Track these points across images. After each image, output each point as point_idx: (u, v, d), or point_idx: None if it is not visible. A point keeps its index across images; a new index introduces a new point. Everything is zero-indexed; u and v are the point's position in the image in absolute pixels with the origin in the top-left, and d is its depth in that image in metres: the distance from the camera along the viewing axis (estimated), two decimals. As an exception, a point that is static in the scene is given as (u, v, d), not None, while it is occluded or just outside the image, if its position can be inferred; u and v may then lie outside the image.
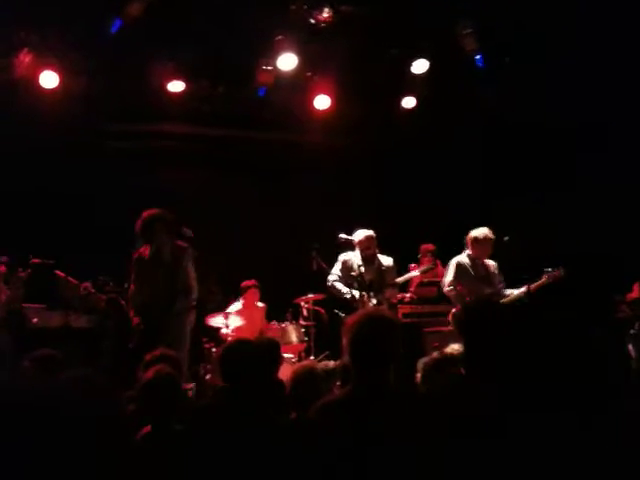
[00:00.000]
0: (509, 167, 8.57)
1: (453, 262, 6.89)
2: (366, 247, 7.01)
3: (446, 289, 6.87)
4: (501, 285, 6.80)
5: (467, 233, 6.87)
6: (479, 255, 6.80)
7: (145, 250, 6.09)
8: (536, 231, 7.73)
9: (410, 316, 7.38)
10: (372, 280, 6.97)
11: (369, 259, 7.04)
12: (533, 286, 6.48)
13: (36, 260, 6.64)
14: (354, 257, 7.00)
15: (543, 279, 6.48)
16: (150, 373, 3.38)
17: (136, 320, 5.76)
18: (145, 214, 6.02)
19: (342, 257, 7.13)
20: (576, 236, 7.65)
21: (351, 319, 3.07)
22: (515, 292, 6.61)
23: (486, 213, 7.35)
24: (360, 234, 7.06)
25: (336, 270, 7.14)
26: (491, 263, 6.87)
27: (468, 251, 6.85)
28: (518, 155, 8.54)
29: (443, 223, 9.02)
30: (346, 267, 7.08)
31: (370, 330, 2.93)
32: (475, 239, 6.77)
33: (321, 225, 7.97)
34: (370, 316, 3.04)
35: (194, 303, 6.11)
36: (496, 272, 6.85)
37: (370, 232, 7.07)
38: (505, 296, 6.66)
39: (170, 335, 5.59)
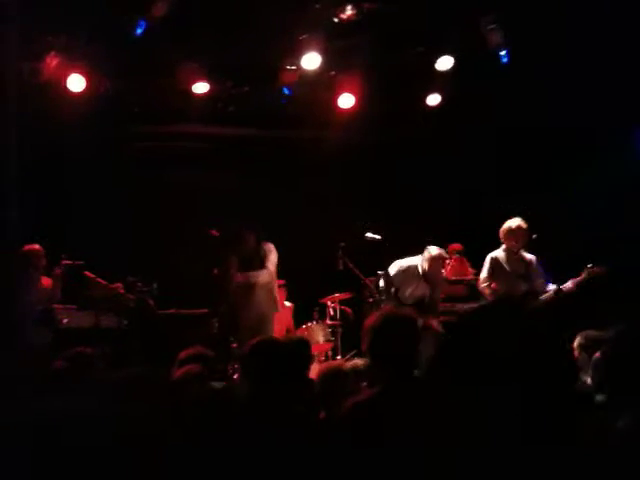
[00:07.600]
0: (531, 168, 8.46)
1: (488, 257, 6.76)
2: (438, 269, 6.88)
3: (480, 286, 6.76)
4: (541, 280, 6.60)
5: (495, 228, 6.76)
6: (514, 247, 6.62)
7: None
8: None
9: (441, 314, 7.32)
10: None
11: None
12: (573, 282, 6.34)
13: (67, 261, 6.74)
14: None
15: (583, 275, 6.31)
16: (179, 372, 3.40)
17: None
18: None
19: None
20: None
21: (368, 321, 3.07)
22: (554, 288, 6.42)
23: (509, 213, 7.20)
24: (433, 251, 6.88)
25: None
26: (530, 257, 6.67)
27: (503, 245, 6.71)
28: (534, 156, 8.43)
29: (469, 222, 8.95)
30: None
31: (388, 330, 2.93)
32: (508, 230, 6.62)
33: (348, 223, 7.94)
34: (387, 316, 3.03)
35: None
36: (536, 267, 6.63)
37: (441, 251, 6.91)
38: (547, 292, 6.47)
39: None
